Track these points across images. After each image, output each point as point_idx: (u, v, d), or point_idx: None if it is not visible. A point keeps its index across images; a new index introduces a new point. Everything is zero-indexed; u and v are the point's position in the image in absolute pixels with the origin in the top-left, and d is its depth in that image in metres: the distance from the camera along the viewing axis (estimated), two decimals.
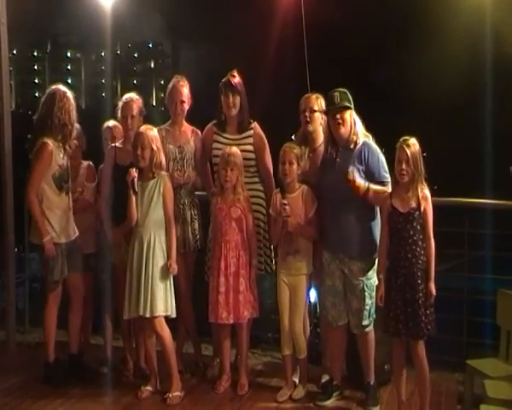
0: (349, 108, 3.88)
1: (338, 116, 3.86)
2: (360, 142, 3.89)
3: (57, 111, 4.14)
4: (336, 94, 3.88)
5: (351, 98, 3.90)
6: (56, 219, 4.15)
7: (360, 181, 3.78)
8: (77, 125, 4.54)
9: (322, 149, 4.10)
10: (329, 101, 3.92)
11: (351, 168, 3.80)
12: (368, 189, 3.78)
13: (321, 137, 4.17)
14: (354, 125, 3.90)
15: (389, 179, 3.85)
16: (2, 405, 4.03)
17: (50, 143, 4.10)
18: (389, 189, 3.81)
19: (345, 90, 3.91)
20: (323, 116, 4.11)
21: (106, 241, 4.29)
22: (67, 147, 4.22)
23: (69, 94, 4.20)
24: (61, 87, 4.24)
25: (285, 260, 4.06)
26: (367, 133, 3.96)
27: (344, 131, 3.88)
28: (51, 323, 4.25)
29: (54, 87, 4.25)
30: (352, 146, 3.89)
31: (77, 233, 4.28)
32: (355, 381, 4.15)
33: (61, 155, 4.16)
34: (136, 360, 4.41)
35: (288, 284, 4.06)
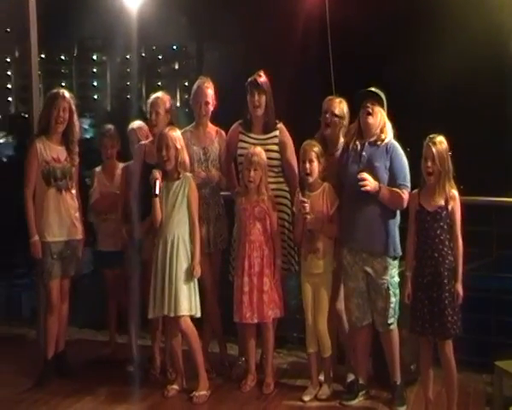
0: (382, 101, 3.86)
1: (369, 104, 3.84)
2: (387, 140, 3.88)
3: (45, 111, 4.30)
4: (374, 87, 3.88)
5: (385, 100, 3.90)
6: (44, 215, 4.24)
7: (372, 181, 3.77)
8: (110, 126, 4.69)
9: (339, 153, 4.10)
10: (363, 90, 3.90)
11: (377, 164, 3.80)
12: (379, 190, 3.77)
13: (340, 142, 4.15)
14: (384, 125, 3.89)
15: (408, 185, 3.83)
16: (33, 401, 4.11)
17: (37, 141, 4.27)
18: (406, 195, 3.79)
19: (381, 92, 3.90)
20: (344, 122, 4.10)
21: (132, 238, 4.34)
22: (67, 146, 4.32)
23: (64, 94, 4.29)
24: (57, 89, 4.38)
25: (306, 259, 4.06)
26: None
27: (372, 122, 3.86)
28: (49, 321, 4.30)
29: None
30: (378, 142, 3.88)
31: (77, 237, 4.35)
32: (381, 381, 4.13)
33: (50, 153, 4.25)
34: (163, 358, 4.45)
35: (311, 282, 4.06)
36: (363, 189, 3.76)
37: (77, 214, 4.38)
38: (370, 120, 3.87)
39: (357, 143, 3.92)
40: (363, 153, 3.88)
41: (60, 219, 4.28)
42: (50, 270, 4.26)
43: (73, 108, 4.34)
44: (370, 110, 3.84)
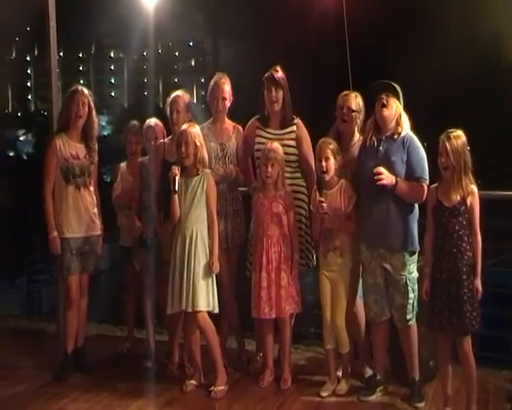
0: (397, 93, 3.84)
1: (383, 96, 3.81)
2: (404, 133, 3.85)
3: (65, 107, 4.36)
4: (387, 80, 3.86)
5: (400, 93, 3.87)
6: (63, 211, 4.28)
7: (388, 175, 3.74)
8: (135, 122, 4.74)
9: (355, 148, 4.09)
10: (376, 83, 3.89)
11: (394, 158, 3.76)
12: (395, 183, 3.75)
13: (356, 137, 4.14)
14: (400, 117, 3.86)
15: (427, 178, 3.80)
16: (53, 394, 4.16)
17: (56, 138, 4.32)
18: (424, 187, 3.76)
19: (395, 84, 3.88)
20: (360, 116, 4.08)
21: (150, 236, 4.37)
22: (86, 143, 4.36)
23: (83, 90, 4.34)
24: (76, 86, 4.41)
25: (325, 257, 4.05)
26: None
27: (388, 114, 3.83)
28: (68, 316, 4.35)
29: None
30: (395, 136, 3.85)
31: (95, 232, 4.39)
32: (399, 377, 4.11)
33: (68, 150, 4.29)
34: (181, 353, 4.46)
35: (329, 278, 4.05)
36: (379, 183, 3.74)
37: (95, 210, 4.42)
38: (385, 112, 3.84)
39: (374, 138, 3.90)
40: (380, 148, 3.86)
41: (78, 216, 4.32)
42: (69, 265, 4.30)
43: (92, 104, 4.39)
44: (385, 102, 3.81)
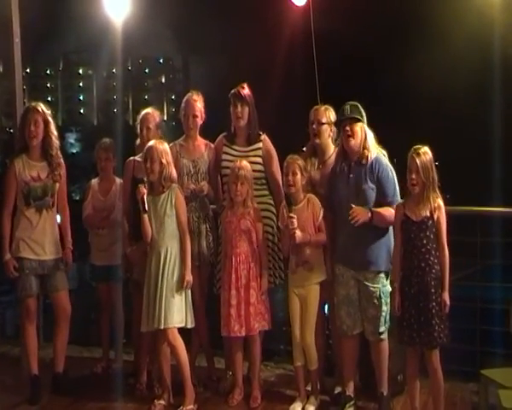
0: (360, 120, 3.88)
1: (348, 128, 3.86)
2: (372, 157, 3.89)
3: (20, 128, 4.26)
4: (347, 107, 3.90)
5: (362, 111, 3.92)
6: (24, 234, 4.19)
7: (363, 213, 3.78)
8: (106, 139, 4.66)
9: (331, 160, 4.12)
10: (340, 113, 3.95)
11: (364, 186, 3.80)
12: (371, 217, 3.78)
13: (330, 149, 4.18)
14: (365, 139, 3.90)
15: (398, 199, 3.84)
16: None
17: (15, 161, 4.22)
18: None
19: (356, 104, 3.93)
20: (333, 128, 4.13)
21: (122, 255, 4.34)
22: (48, 161, 4.25)
23: (35, 108, 4.22)
24: (29, 104, 4.31)
25: (295, 273, 4.05)
26: (380, 148, 3.96)
27: (354, 143, 3.88)
28: (28, 338, 4.27)
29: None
30: (363, 161, 3.89)
31: (58, 255, 4.28)
32: (368, 392, 4.12)
33: (29, 172, 4.20)
34: (150, 373, 4.40)
35: (298, 295, 4.05)
36: (355, 224, 3.76)
37: (57, 231, 4.33)
38: (352, 141, 3.88)
39: (344, 164, 3.94)
40: (351, 175, 3.90)
41: (37, 238, 4.22)
42: (26, 285, 4.20)
43: (49, 118, 4.25)
44: (350, 132, 3.87)
